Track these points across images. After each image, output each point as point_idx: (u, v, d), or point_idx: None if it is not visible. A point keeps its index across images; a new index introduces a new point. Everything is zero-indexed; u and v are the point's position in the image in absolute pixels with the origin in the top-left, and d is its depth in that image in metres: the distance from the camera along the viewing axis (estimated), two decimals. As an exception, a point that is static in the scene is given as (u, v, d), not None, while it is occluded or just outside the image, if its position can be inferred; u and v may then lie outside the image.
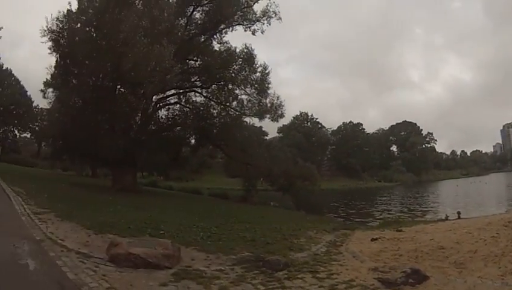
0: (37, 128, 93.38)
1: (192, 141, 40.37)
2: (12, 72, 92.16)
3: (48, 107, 48.06)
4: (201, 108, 36.97)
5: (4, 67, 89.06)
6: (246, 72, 34.71)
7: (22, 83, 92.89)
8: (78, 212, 15.04)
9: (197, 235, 12.27)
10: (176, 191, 46.81)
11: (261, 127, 49.43)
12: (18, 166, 63.34)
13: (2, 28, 55.21)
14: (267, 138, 65.31)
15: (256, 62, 34.80)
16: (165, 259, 8.36)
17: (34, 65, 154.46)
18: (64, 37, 31.71)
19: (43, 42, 31.28)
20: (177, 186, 54.70)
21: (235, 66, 34.69)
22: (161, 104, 36.61)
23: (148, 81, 28.19)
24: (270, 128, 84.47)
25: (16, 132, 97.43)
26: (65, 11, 32.20)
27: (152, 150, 34.96)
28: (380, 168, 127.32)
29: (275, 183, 38.75)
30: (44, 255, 8.62)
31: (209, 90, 36.58)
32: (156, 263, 8.18)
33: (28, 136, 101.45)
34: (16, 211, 14.83)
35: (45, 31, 31.30)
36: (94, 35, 31.14)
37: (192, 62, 36.60)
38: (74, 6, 32.07)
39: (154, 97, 34.01)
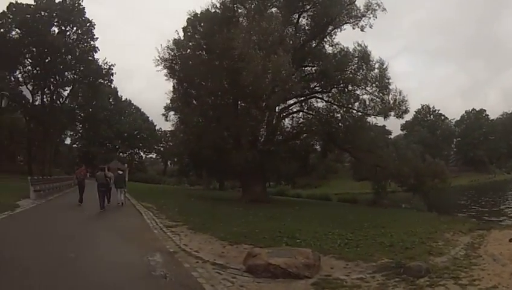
0: (161, 148, 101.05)
1: (319, 148, 40.07)
2: (132, 102, 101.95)
3: (172, 129, 51.13)
4: (324, 113, 36.43)
5: (124, 98, 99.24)
6: (363, 70, 33.35)
7: (142, 110, 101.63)
8: (211, 224, 15.21)
9: (334, 242, 11.72)
10: (305, 199, 46.40)
11: (384, 126, 47.66)
12: (146, 184, 66.70)
13: (115, 64, 60.33)
14: (392, 136, 62.99)
15: (371, 59, 33.39)
16: (305, 269, 7.99)
17: (149, 93, 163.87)
18: (177, 64, 34.06)
19: (158, 70, 33.74)
20: (305, 193, 54.66)
21: (351, 66, 33.59)
22: (284, 114, 36.57)
23: (270, 92, 28.71)
24: (392, 126, 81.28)
25: (142, 153, 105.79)
26: (171, 41, 34.81)
27: (280, 159, 35.40)
28: (508, 158, 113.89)
29: (404, 184, 37.16)
30: (179, 267, 8.68)
31: (330, 94, 35.75)
32: (296, 273, 7.83)
33: (154, 156, 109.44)
34: (148, 225, 15.39)
35: (158, 60, 34.00)
36: (206, 57, 33.20)
37: (309, 68, 36.34)
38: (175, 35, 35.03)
39: (277, 108, 34.12)
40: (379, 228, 15.54)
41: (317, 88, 36.27)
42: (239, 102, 33.85)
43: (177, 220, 16.37)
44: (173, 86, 37.41)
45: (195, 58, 33.77)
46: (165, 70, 35.10)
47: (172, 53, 34.83)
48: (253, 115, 31.42)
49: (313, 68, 36.19)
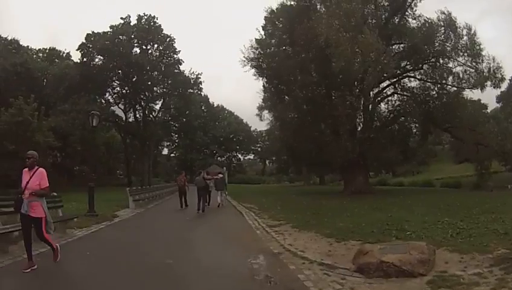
0: (259, 149, 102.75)
1: (417, 131, 37.73)
2: (224, 106, 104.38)
3: (267, 128, 50.93)
4: (419, 92, 34.48)
5: (216, 105, 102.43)
6: (451, 40, 30.73)
7: (235, 113, 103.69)
8: (315, 220, 14.71)
9: (445, 232, 10.56)
10: (407, 187, 44.93)
11: (479, 100, 43.68)
12: (245, 185, 68.25)
13: (201, 73, 61.37)
14: (488, 111, 58.11)
15: (458, 25, 30.74)
16: (420, 265, 7.04)
17: (240, 95, 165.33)
18: (264, 62, 33.88)
19: (245, 71, 33.46)
20: (407, 181, 52.68)
21: (439, 37, 31.01)
22: (379, 98, 34.98)
23: (362, 75, 27.94)
24: (487, 99, 73.91)
25: (239, 155, 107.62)
26: (254, 40, 35.19)
27: (380, 146, 33.17)
28: None
29: (508, 162, 34.61)
30: (284, 269, 8.09)
31: (422, 71, 33.52)
32: (410, 271, 6.93)
33: (251, 157, 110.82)
34: (250, 226, 15.14)
35: (244, 61, 34.14)
36: (291, 51, 32.69)
37: (396, 47, 34.05)
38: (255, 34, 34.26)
39: (371, 93, 32.58)
40: (489, 214, 13.93)
41: (408, 66, 34.00)
42: (332, 92, 32.57)
43: (280, 218, 16.07)
44: (263, 85, 37.57)
45: (280, 54, 33.46)
46: (253, 70, 35.48)
47: (256, 52, 34.97)
48: (348, 103, 29.67)
49: (401, 46, 34.06)
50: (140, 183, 50.31)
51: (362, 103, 32.02)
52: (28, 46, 56.04)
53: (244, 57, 34.34)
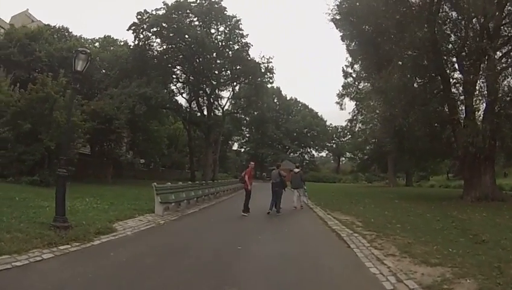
0: (334, 145, 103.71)
1: None
2: (298, 99, 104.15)
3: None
4: None
5: (288, 97, 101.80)
6: None
7: (310, 106, 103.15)
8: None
9: None
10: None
11: None
12: (320, 183, 65.80)
13: (273, 56, 54.49)
14: None
15: None
16: None
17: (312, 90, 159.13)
18: (355, 15, 25.41)
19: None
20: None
21: None
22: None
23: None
24: None
25: (314, 151, 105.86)
26: None
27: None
28: None
29: None
30: None
31: None
32: None
33: (325, 154, 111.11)
34: (370, 277, 7.28)
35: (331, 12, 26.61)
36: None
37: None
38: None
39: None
40: None
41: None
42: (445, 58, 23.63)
43: (428, 256, 8.19)
44: (349, 52, 31.59)
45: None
46: (341, 32, 28.59)
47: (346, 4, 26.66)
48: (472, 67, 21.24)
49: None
50: (202, 178, 44.75)
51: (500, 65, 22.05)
52: (81, 36, 51.60)
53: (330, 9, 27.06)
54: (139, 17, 44.47)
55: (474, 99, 22.14)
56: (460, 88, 23.40)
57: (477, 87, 22.04)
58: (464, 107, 23.12)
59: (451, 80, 23.45)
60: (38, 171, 22.23)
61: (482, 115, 22.65)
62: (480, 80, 21.57)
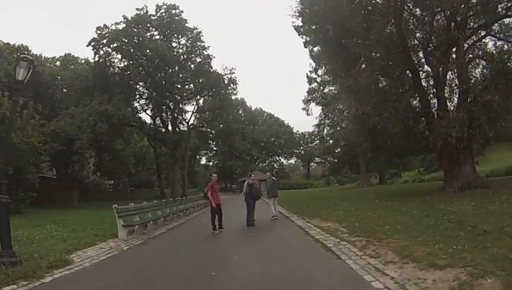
0: (302, 152, 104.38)
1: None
2: (263, 109, 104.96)
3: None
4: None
5: (253, 108, 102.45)
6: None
7: (275, 115, 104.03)
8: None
9: None
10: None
11: None
12: (292, 190, 65.83)
13: (235, 68, 54.03)
14: None
15: None
16: None
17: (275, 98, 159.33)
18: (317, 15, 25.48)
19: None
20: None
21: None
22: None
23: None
24: None
25: (282, 159, 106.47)
26: None
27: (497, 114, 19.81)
28: None
29: None
30: None
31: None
32: None
33: (293, 162, 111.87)
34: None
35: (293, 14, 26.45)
36: None
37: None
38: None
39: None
40: None
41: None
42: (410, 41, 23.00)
43: (436, 260, 7.25)
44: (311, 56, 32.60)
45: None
46: (303, 38, 29.32)
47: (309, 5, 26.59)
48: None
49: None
50: (172, 195, 44.15)
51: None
52: (40, 54, 49.23)
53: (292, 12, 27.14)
54: (98, 32, 43.66)
55: (446, 90, 21.99)
56: (431, 81, 23.05)
57: (447, 78, 21.83)
58: (436, 100, 22.77)
59: (421, 74, 23.13)
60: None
61: (455, 105, 22.19)
62: (452, 71, 21.32)
